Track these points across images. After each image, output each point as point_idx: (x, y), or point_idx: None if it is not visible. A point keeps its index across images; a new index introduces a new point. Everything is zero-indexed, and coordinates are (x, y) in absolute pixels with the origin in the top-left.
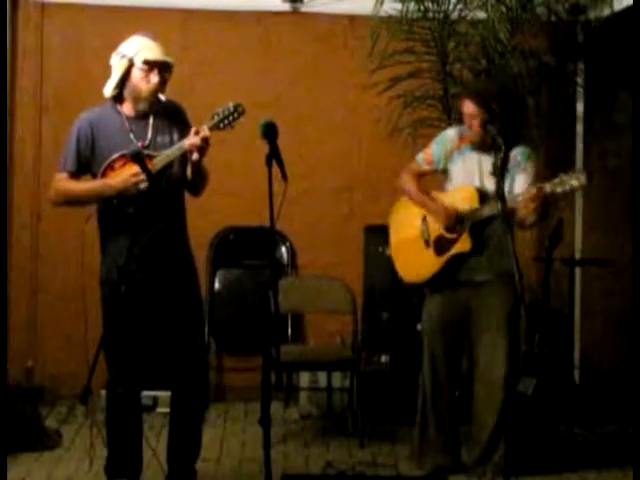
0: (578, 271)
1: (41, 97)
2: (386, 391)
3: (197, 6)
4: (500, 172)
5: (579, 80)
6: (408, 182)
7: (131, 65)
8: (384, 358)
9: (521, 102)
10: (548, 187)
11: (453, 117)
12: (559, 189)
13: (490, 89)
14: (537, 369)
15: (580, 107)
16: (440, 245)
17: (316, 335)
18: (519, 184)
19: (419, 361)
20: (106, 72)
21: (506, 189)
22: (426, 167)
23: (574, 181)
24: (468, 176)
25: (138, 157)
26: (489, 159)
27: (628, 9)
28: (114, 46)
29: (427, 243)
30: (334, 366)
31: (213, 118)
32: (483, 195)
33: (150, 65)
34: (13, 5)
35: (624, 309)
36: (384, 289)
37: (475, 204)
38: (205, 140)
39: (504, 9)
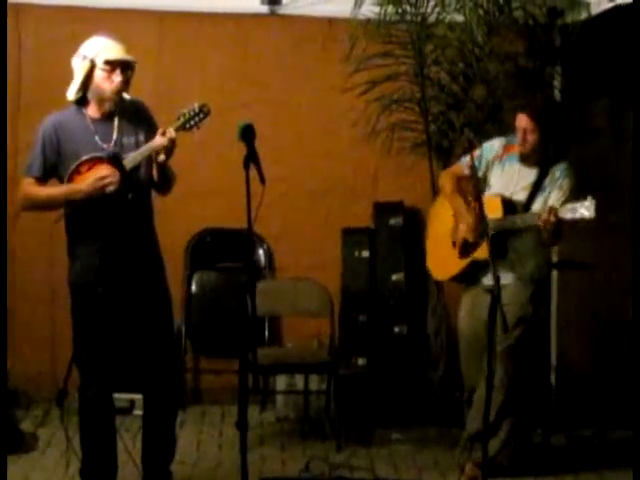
0: (555, 275)
1: (19, 98)
2: (363, 394)
3: (174, 7)
4: (535, 186)
5: (556, 83)
6: (447, 181)
7: (93, 66)
8: (361, 361)
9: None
10: (560, 212)
11: (430, 120)
12: (569, 215)
13: (546, 106)
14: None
15: None
16: (464, 248)
17: (293, 338)
18: (552, 200)
19: (396, 364)
20: None
21: (540, 204)
22: (467, 171)
23: (584, 210)
24: (504, 186)
25: (116, 159)
26: (529, 172)
27: (605, 13)
28: None
29: (454, 243)
30: (311, 369)
31: (179, 119)
32: (510, 206)
33: (112, 65)
34: None
35: (600, 312)
36: (361, 292)
37: (499, 214)
38: (171, 142)
39: (482, 12)
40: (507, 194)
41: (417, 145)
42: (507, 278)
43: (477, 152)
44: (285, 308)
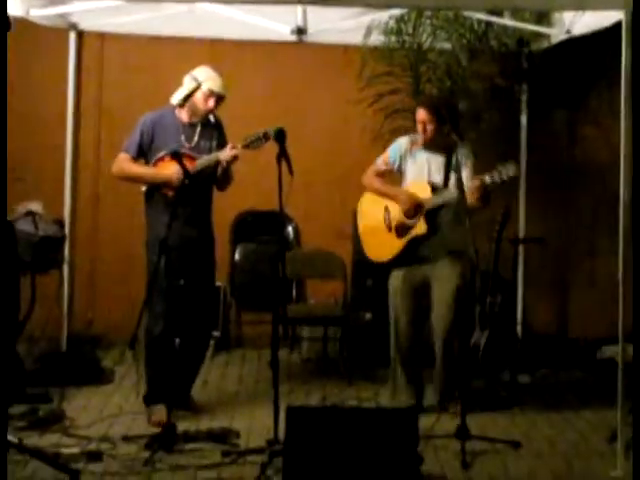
0: (521, 248)
1: (101, 105)
2: (369, 341)
3: (223, 37)
4: (456, 167)
5: (523, 98)
6: (372, 179)
7: (198, 87)
8: (368, 315)
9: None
10: (487, 178)
11: None
12: (497, 178)
13: (438, 100)
14: (489, 325)
15: (524, 119)
16: (401, 230)
17: (315, 296)
18: (464, 177)
19: None
20: (149, 88)
21: (453, 182)
22: (384, 167)
23: (509, 171)
24: (419, 173)
25: (177, 155)
26: (437, 157)
27: (562, 42)
28: (157, 67)
29: (389, 228)
30: (329, 321)
31: (246, 139)
32: (434, 187)
33: (211, 93)
34: (78, 35)
35: (556, 278)
36: (368, 260)
37: (428, 194)
38: (235, 157)
39: (465, 41)
40: (424, 179)
41: None
42: (440, 252)
43: (388, 150)
44: (308, 273)
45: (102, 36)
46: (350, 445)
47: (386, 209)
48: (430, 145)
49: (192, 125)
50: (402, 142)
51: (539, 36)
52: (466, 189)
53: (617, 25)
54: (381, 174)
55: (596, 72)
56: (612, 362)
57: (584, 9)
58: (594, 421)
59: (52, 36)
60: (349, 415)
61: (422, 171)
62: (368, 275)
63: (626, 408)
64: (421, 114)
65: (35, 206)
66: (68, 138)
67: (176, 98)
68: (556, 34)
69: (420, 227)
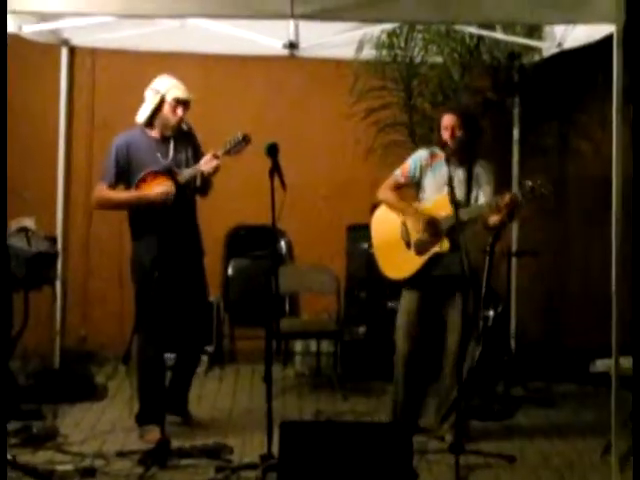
0: (514, 261)
1: (93, 121)
2: (363, 355)
3: (215, 52)
4: (476, 182)
5: (515, 111)
6: (388, 193)
7: (163, 100)
8: (361, 329)
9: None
10: (520, 195)
11: (416, 140)
12: (529, 197)
13: (466, 108)
14: (482, 338)
15: (516, 133)
16: (420, 246)
17: (308, 311)
18: (486, 193)
19: (389, 332)
20: (141, 102)
21: (473, 197)
22: (402, 180)
23: (544, 190)
24: (439, 187)
25: (171, 171)
26: (458, 172)
27: (554, 56)
28: (149, 83)
29: (408, 245)
30: (322, 335)
31: (225, 146)
32: (457, 205)
33: (178, 102)
34: (70, 51)
35: (549, 291)
36: (362, 274)
37: (449, 211)
38: (216, 168)
39: (456, 55)
40: (444, 193)
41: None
42: (458, 269)
43: (407, 162)
44: (302, 287)
45: (94, 52)
46: (344, 460)
47: (404, 224)
48: (453, 155)
49: (165, 140)
50: (422, 154)
51: (530, 49)
52: (486, 205)
53: (608, 38)
54: (398, 187)
55: (587, 85)
56: (605, 375)
57: (575, 23)
58: (588, 434)
59: (44, 52)
60: (343, 430)
61: (443, 185)
62: (362, 289)
63: (620, 421)
64: (450, 119)
65: (28, 222)
66: (60, 154)
67: (142, 116)
68: (547, 47)
69: (443, 244)
